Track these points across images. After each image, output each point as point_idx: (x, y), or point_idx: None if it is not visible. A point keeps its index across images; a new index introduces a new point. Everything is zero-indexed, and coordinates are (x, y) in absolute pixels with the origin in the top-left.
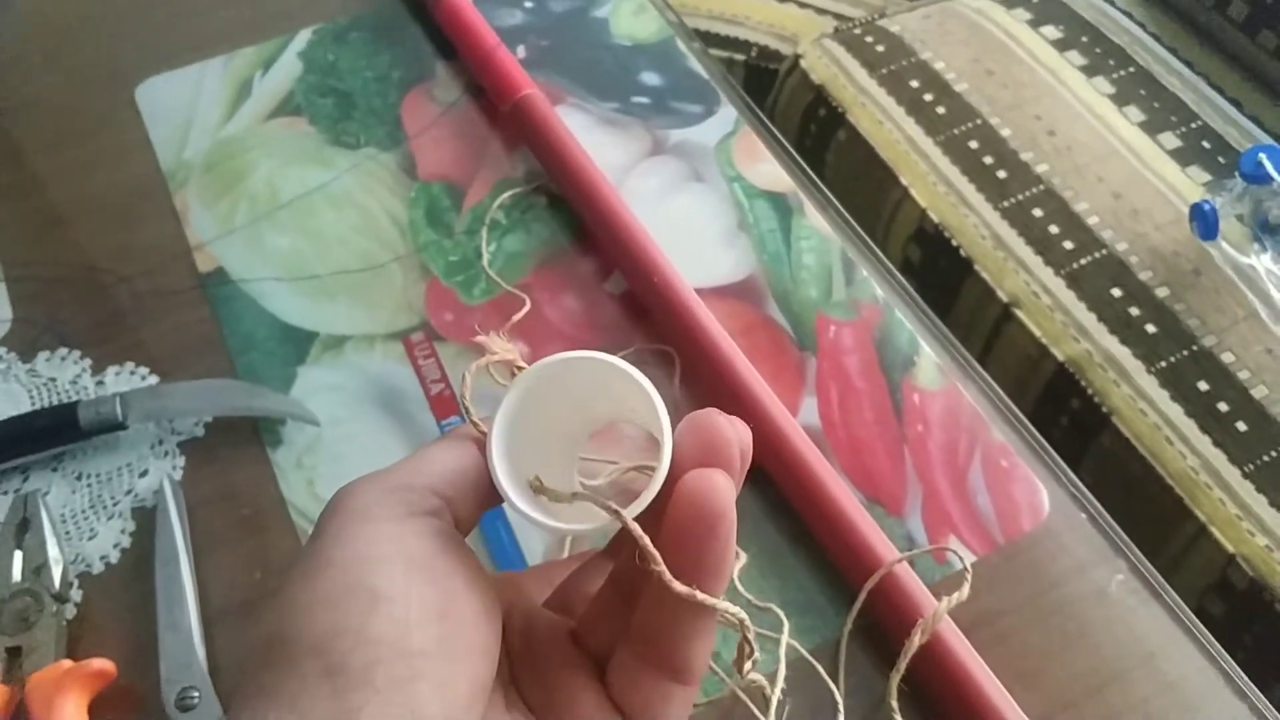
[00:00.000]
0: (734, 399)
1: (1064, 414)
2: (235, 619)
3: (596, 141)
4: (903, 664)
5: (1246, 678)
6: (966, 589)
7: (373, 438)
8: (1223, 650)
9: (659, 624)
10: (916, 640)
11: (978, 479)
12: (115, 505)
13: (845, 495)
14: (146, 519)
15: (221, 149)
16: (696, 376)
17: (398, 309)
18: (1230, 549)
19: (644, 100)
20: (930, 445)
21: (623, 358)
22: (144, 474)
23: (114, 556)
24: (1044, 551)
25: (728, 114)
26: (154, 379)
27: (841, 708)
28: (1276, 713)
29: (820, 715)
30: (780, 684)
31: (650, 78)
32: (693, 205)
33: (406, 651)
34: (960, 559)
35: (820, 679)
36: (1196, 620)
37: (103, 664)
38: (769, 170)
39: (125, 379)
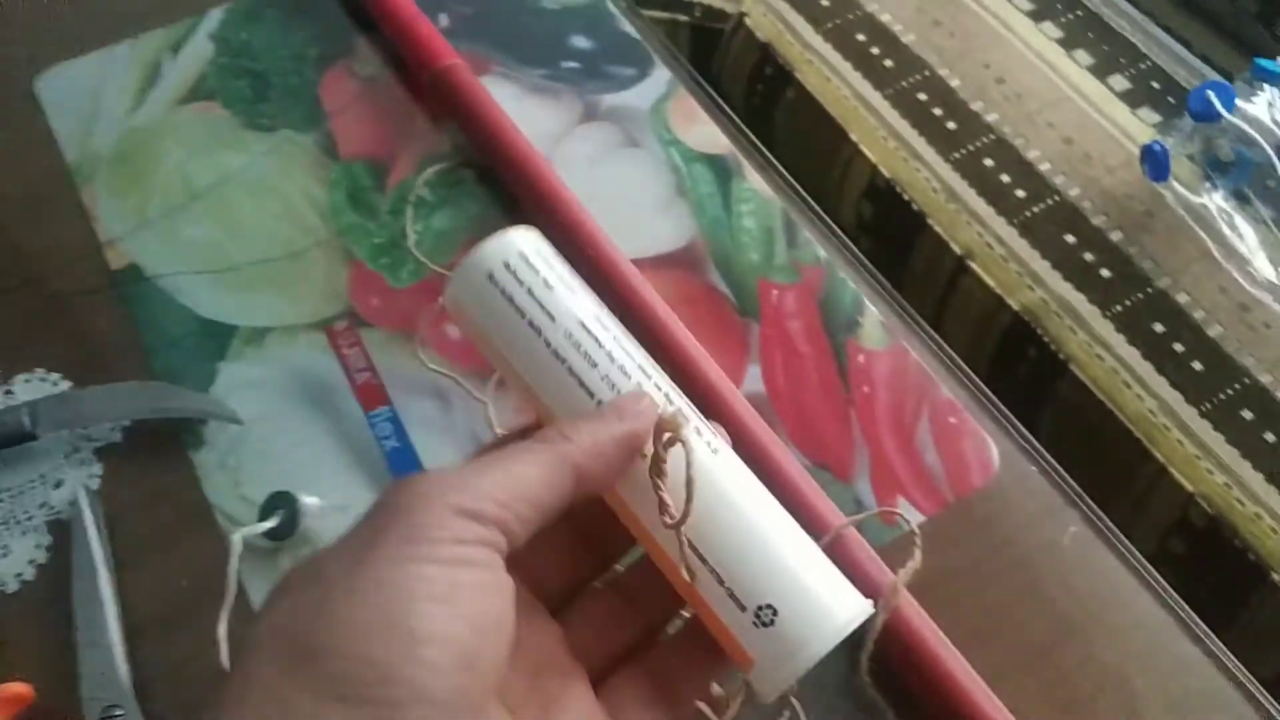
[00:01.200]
0: (675, 371)
1: (1022, 363)
2: (161, 629)
3: (525, 110)
4: (870, 641)
5: (1200, 621)
6: (919, 556)
7: (298, 433)
8: (1176, 595)
9: (677, 665)
10: (880, 618)
11: (926, 437)
12: (29, 520)
13: (790, 463)
14: (63, 532)
15: (130, 139)
16: None
17: (321, 297)
18: (1190, 488)
19: (574, 65)
20: (877, 406)
21: None
22: (59, 485)
23: (29, 574)
24: (995, 507)
25: (662, 76)
26: (66, 385)
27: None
28: (1229, 653)
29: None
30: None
31: (580, 41)
32: (628, 172)
33: (426, 698)
34: (907, 522)
35: None
36: (1150, 567)
37: (19, 687)
38: (706, 132)
39: (35, 387)
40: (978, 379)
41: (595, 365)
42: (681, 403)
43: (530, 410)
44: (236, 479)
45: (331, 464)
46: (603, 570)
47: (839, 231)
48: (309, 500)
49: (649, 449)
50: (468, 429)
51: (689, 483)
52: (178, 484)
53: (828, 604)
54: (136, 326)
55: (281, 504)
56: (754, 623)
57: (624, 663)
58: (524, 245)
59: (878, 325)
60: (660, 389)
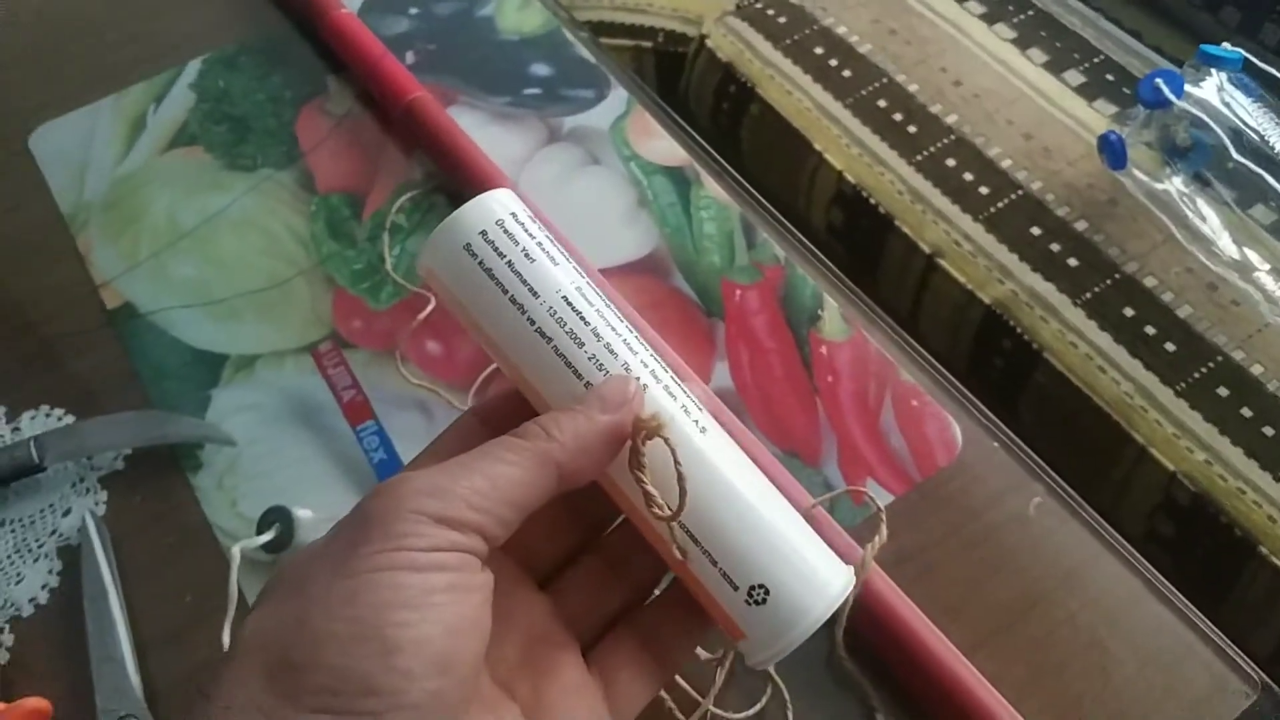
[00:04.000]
0: None
1: (997, 356)
2: (169, 642)
3: (491, 136)
4: (844, 616)
5: (1167, 581)
6: (884, 530)
7: (291, 451)
8: (1141, 558)
9: (665, 627)
10: (853, 594)
11: (890, 421)
12: (40, 547)
13: (759, 450)
14: (73, 556)
15: (120, 187)
16: None
17: (306, 323)
18: (1171, 467)
19: (535, 91)
20: (841, 394)
21: None
22: (67, 513)
23: (43, 598)
24: (961, 484)
25: (619, 96)
26: (70, 419)
27: (772, 666)
28: (1200, 613)
29: (755, 676)
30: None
31: (540, 69)
32: (592, 188)
33: (404, 705)
34: (874, 500)
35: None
36: (1115, 533)
37: (37, 702)
38: (664, 146)
39: (41, 422)
40: (937, 364)
41: (582, 345)
42: (667, 378)
43: (510, 379)
44: (233, 498)
45: (323, 478)
46: (591, 539)
47: (796, 231)
48: (303, 513)
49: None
50: None
51: (680, 479)
52: (178, 506)
53: (818, 581)
54: (132, 360)
55: (277, 518)
56: (747, 601)
57: (613, 628)
58: (501, 211)
59: (838, 317)
60: (646, 366)
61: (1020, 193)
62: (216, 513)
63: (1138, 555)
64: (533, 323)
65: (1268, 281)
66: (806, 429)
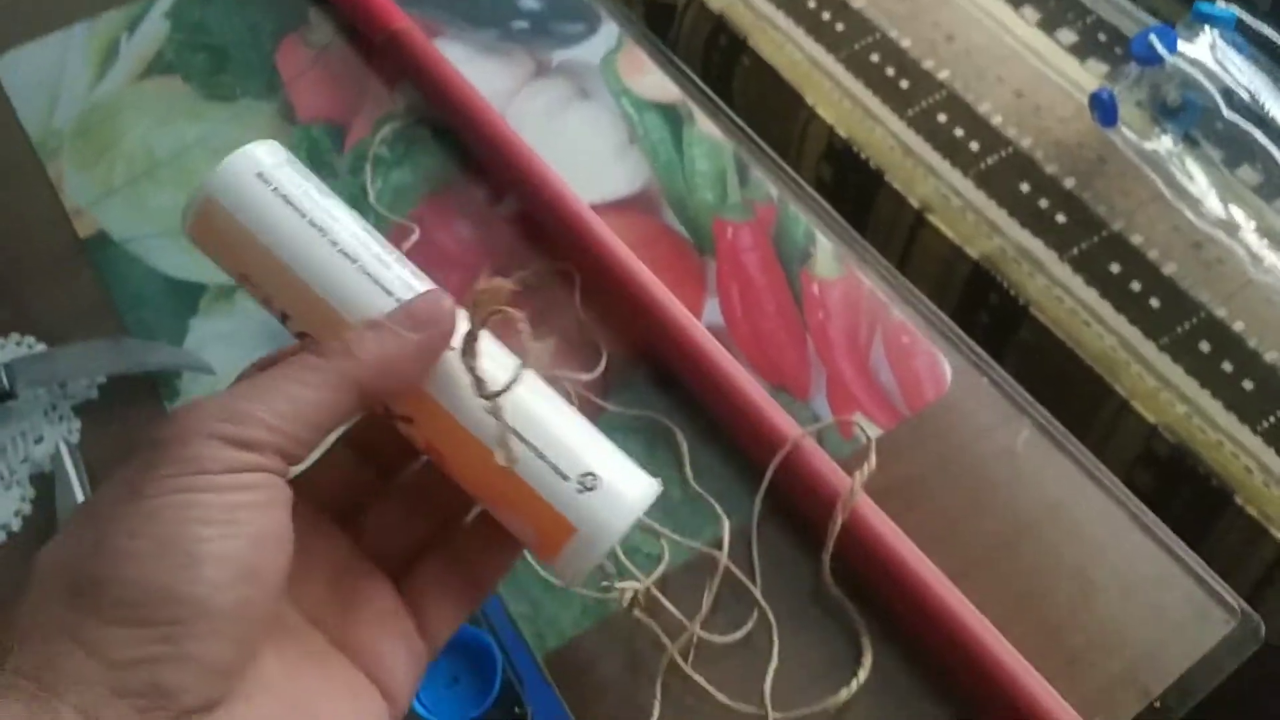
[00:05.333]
0: (637, 308)
1: (984, 310)
2: None
3: (477, 70)
4: (830, 542)
5: (1153, 514)
6: (874, 458)
7: None
8: (1129, 491)
9: (474, 551)
10: (839, 518)
11: (880, 358)
12: (12, 475)
13: (748, 382)
14: (46, 485)
15: (92, 114)
16: (598, 291)
17: None
18: (1152, 420)
19: (523, 25)
20: (832, 331)
21: (520, 279)
22: (39, 440)
23: (15, 525)
24: (949, 419)
25: (610, 30)
26: (42, 347)
27: (759, 593)
28: (1186, 545)
29: (742, 603)
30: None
31: (528, 2)
32: (581, 123)
33: (210, 612)
34: (863, 430)
35: (742, 567)
36: (1101, 465)
37: None
38: (656, 82)
39: (13, 350)
40: (929, 301)
41: (389, 266)
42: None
43: (307, 322)
44: None
45: None
46: (382, 484)
47: (787, 168)
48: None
49: (463, 327)
50: None
51: (525, 353)
52: None
53: (636, 470)
54: (108, 289)
55: None
56: (578, 489)
57: (423, 556)
58: (284, 154)
59: (830, 255)
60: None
61: (1010, 149)
62: None
63: (1123, 487)
64: (335, 244)
65: (1252, 240)
66: (796, 364)
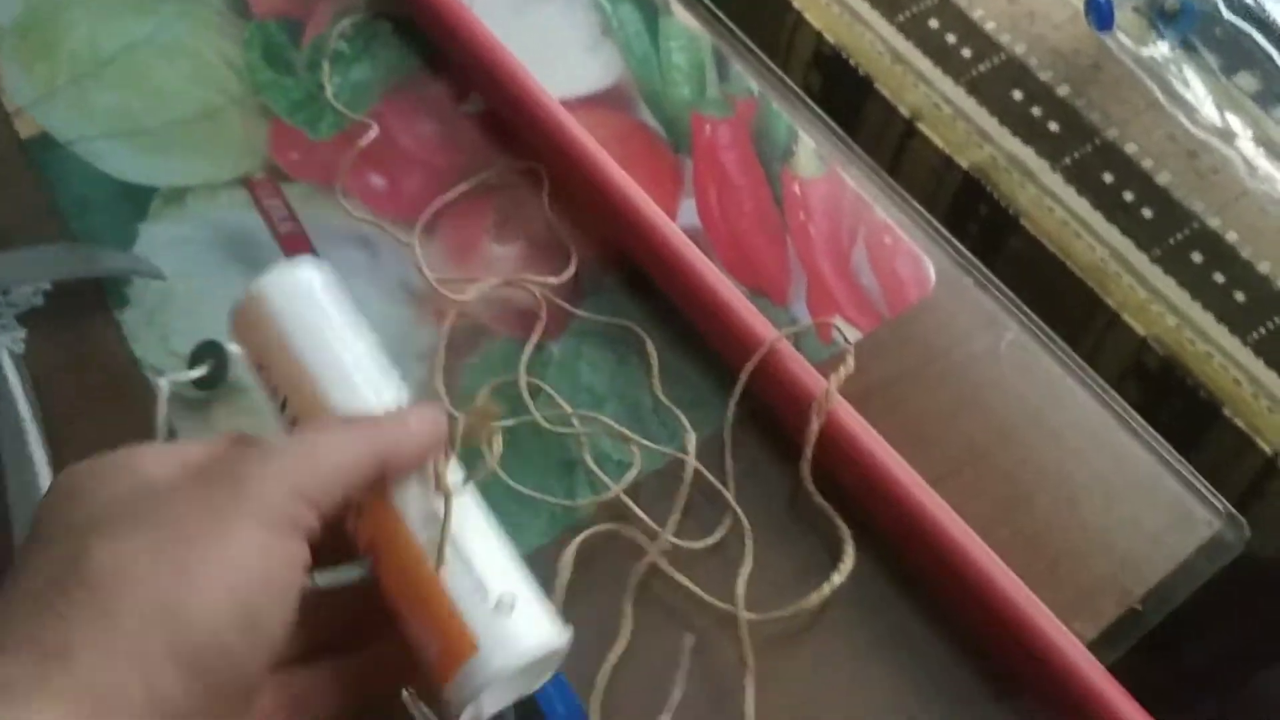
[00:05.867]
0: (607, 209)
1: (973, 221)
2: None
3: None
4: (808, 446)
5: (1139, 416)
6: (851, 361)
7: (225, 286)
8: (1114, 394)
9: (367, 669)
10: (815, 422)
11: (862, 259)
12: None
13: (724, 286)
14: None
15: (34, 12)
16: (567, 191)
17: (240, 154)
18: (1142, 332)
19: None
20: (813, 232)
21: (486, 179)
22: None
23: None
24: (932, 321)
25: None
26: None
27: (732, 498)
28: (1169, 445)
29: (716, 509)
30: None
31: None
32: (551, 15)
33: (250, 686)
34: (841, 333)
35: (718, 475)
36: (1087, 367)
37: None
38: None
39: None
40: (914, 200)
41: (381, 393)
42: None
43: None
44: (164, 334)
45: None
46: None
47: (769, 63)
48: (237, 348)
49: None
50: (395, 275)
51: (483, 465)
52: (104, 345)
53: (553, 613)
54: (51, 193)
55: (210, 353)
56: (494, 608)
57: (315, 659)
58: (326, 275)
59: (812, 154)
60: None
61: (1003, 56)
62: (146, 350)
63: (1109, 390)
64: (353, 353)
65: (1248, 148)
66: (775, 267)
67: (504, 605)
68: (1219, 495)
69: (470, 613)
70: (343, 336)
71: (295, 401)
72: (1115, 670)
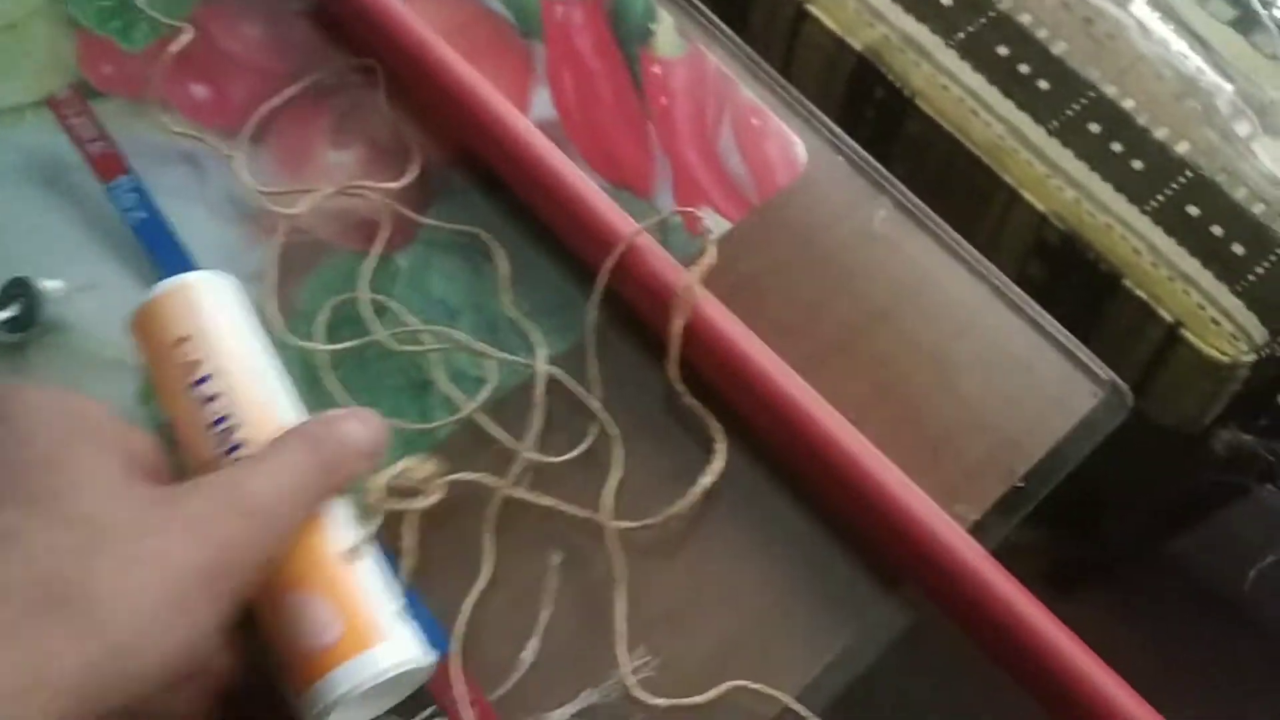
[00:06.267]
0: (451, 105)
1: (869, 106)
2: None
3: None
4: (674, 346)
5: (1018, 289)
6: (713, 251)
7: (31, 218)
8: (992, 266)
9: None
10: (678, 318)
11: (729, 143)
12: None
13: (581, 181)
14: None
15: None
16: (408, 89)
17: (44, 71)
18: (1041, 208)
19: None
20: (676, 116)
21: (319, 81)
22: None
23: None
24: (804, 203)
25: None
26: None
27: (597, 406)
28: (1051, 317)
29: (582, 415)
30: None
31: None
32: None
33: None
34: (701, 221)
35: (580, 379)
36: (963, 240)
37: None
38: None
39: None
40: (781, 78)
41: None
42: None
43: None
44: None
45: (73, 244)
46: None
47: None
48: (51, 284)
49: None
50: (223, 191)
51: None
52: None
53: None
54: None
55: (20, 292)
56: (397, 613)
57: None
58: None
59: (672, 32)
60: None
61: None
62: None
63: (985, 262)
64: (271, 360)
65: (1142, 11)
66: (638, 158)
67: (401, 612)
68: (1102, 364)
69: (379, 610)
70: (269, 346)
71: (237, 397)
72: (1035, 549)
